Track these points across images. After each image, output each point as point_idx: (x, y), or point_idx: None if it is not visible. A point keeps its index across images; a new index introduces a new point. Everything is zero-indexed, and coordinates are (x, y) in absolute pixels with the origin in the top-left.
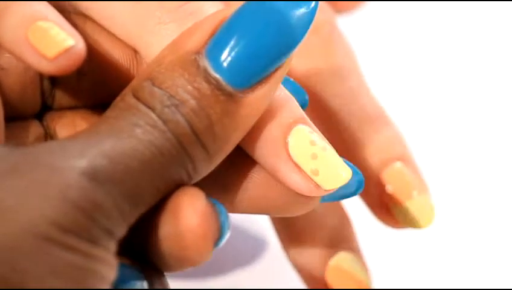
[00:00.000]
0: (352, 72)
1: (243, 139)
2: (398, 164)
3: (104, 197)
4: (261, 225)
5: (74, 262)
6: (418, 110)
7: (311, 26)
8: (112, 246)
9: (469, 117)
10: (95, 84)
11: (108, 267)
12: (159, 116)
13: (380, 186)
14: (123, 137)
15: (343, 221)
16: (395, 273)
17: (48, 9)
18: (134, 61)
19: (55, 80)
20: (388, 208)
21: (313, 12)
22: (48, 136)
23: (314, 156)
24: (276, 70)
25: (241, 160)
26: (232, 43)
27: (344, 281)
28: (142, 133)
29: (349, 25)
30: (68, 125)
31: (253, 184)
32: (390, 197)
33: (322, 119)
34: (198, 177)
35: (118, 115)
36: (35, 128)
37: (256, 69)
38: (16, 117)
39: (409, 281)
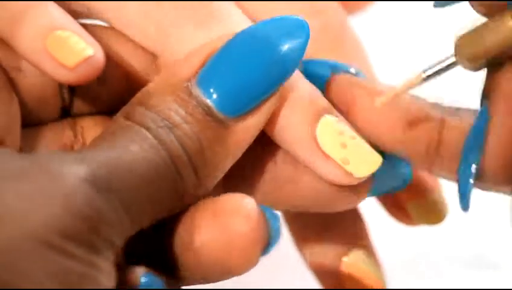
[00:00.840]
0: (363, 69)
1: (273, 133)
2: None
3: (106, 205)
4: None
5: (72, 268)
6: None
7: (322, 24)
8: (111, 255)
9: None
10: (115, 91)
11: (106, 276)
12: (154, 136)
13: None
14: (119, 152)
15: (357, 218)
16: (408, 270)
17: (65, 17)
18: (153, 68)
19: (74, 86)
20: (402, 205)
21: (304, 45)
22: (79, 141)
23: (343, 145)
24: (267, 99)
25: (288, 155)
26: (223, 72)
27: (358, 279)
28: (138, 150)
29: (360, 24)
30: (95, 130)
31: (308, 174)
32: (404, 195)
33: None
34: (189, 202)
35: (113, 132)
36: (57, 134)
37: (247, 98)
38: (35, 122)
39: (422, 278)
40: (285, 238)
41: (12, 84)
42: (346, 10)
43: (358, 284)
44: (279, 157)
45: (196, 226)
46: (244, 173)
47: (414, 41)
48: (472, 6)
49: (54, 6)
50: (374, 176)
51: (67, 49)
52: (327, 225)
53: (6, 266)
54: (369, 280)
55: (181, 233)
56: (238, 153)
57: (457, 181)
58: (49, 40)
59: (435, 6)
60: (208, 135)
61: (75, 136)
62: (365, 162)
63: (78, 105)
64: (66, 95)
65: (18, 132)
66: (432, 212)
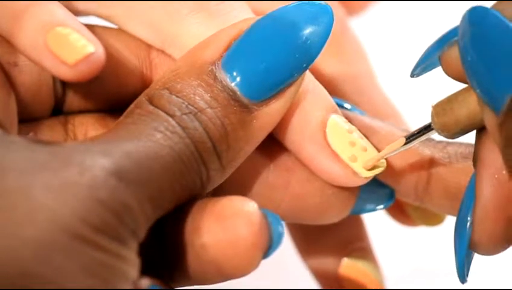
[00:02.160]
0: (363, 71)
1: (280, 129)
2: None
3: (131, 198)
4: None
5: (105, 261)
6: (427, 110)
7: None
8: (135, 246)
9: None
10: (107, 87)
11: (133, 267)
12: (178, 123)
13: None
14: (144, 141)
15: (355, 220)
16: (407, 271)
17: (66, 14)
18: (148, 65)
19: (66, 83)
20: (402, 207)
21: (328, 30)
22: (70, 139)
23: (352, 144)
24: (290, 85)
25: (282, 161)
26: (248, 56)
27: (357, 280)
28: (162, 138)
29: (360, 25)
30: (92, 128)
31: (298, 182)
32: None
33: None
34: (210, 188)
35: (136, 120)
36: (59, 130)
37: (272, 83)
38: (27, 118)
39: (420, 278)
40: (285, 239)
41: (8, 80)
42: (346, 11)
43: (357, 285)
44: (273, 162)
45: (198, 227)
46: (237, 176)
47: (414, 42)
48: (445, 72)
49: (55, 4)
50: (358, 193)
51: (68, 46)
52: (326, 226)
53: (41, 259)
54: (368, 281)
55: (182, 233)
56: (260, 139)
57: (454, 252)
58: (49, 37)
59: (411, 76)
60: (232, 119)
61: (66, 133)
62: (372, 163)
63: (71, 102)
64: (60, 92)
65: (16, 128)
66: (432, 214)
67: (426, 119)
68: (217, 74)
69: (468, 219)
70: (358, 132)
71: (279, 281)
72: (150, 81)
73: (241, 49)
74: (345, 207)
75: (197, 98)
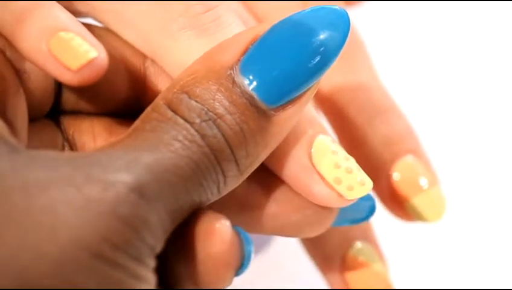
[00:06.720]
0: (362, 65)
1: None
2: (409, 157)
3: (152, 213)
4: None
5: (122, 280)
6: (428, 104)
7: None
8: (152, 263)
9: (478, 112)
10: (101, 91)
11: (148, 286)
12: (197, 131)
13: (391, 179)
14: (163, 152)
15: None
16: (411, 263)
17: (69, 18)
18: (142, 72)
19: (62, 84)
20: (399, 201)
21: (345, 35)
22: (65, 140)
23: (337, 166)
24: (306, 90)
25: (260, 178)
26: (266, 61)
27: (361, 272)
28: (181, 147)
29: (361, 21)
30: (87, 131)
31: (274, 201)
32: (401, 191)
33: (332, 113)
34: (224, 193)
35: (154, 127)
36: (50, 132)
37: (290, 88)
38: (30, 119)
39: (423, 271)
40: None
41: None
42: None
43: (362, 277)
44: (248, 181)
45: (175, 243)
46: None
47: (415, 38)
48: None
49: (57, 7)
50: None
51: (71, 52)
52: None
53: (59, 277)
54: (372, 273)
55: (169, 247)
56: (276, 144)
57: None
58: (52, 42)
59: None
60: (251, 125)
61: (57, 133)
62: (357, 184)
63: (64, 102)
64: (57, 92)
65: (26, 131)
66: (429, 210)
67: (426, 113)
68: (235, 79)
69: None
70: (344, 152)
71: (279, 281)
72: (142, 88)
73: (259, 54)
74: (324, 223)
75: (217, 103)
